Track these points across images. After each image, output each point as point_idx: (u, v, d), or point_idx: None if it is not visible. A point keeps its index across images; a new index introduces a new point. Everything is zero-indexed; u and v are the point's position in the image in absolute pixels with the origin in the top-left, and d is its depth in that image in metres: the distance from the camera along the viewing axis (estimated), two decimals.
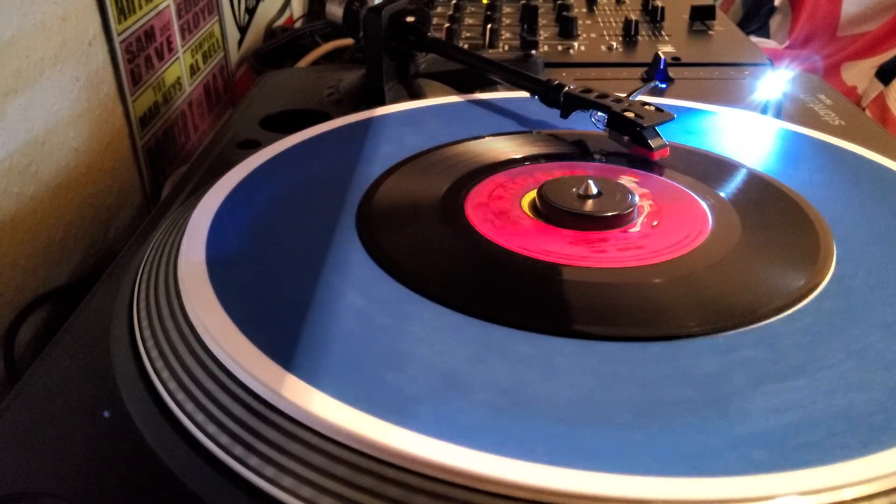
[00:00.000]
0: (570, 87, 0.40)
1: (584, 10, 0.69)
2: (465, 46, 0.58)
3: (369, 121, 0.41)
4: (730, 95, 0.48)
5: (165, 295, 0.26)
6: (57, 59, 0.42)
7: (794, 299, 0.25)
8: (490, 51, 0.58)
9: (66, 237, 0.43)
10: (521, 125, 0.41)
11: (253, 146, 0.41)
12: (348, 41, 0.67)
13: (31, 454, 0.22)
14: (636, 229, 0.30)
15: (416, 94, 0.47)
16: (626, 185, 0.32)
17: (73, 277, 0.43)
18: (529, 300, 0.26)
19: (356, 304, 0.25)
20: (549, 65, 0.54)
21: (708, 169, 0.35)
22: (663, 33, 0.62)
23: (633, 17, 0.62)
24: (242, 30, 0.72)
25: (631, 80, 0.52)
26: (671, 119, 0.36)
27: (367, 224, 0.30)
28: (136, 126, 0.51)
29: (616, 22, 0.65)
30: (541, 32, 0.62)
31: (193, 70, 0.60)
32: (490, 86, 0.47)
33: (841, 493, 0.18)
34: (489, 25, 0.60)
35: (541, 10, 0.67)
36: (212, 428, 0.21)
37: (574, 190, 0.31)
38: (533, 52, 0.55)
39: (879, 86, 0.77)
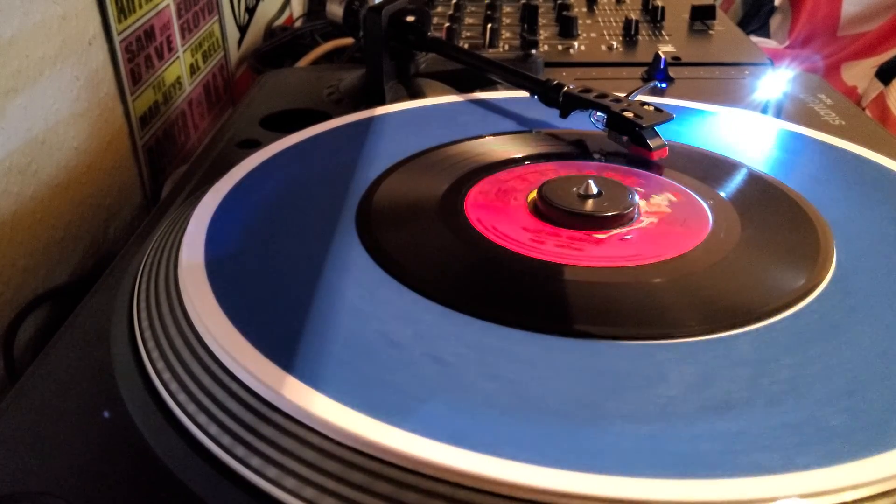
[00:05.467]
0: (570, 86, 0.40)
1: (585, 9, 0.69)
2: (466, 46, 0.58)
3: (369, 120, 0.41)
4: (730, 95, 0.48)
5: (166, 294, 0.26)
6: (57, 59, 0.42)
7: (795, 299, 0.25)
8: (490, 50, 0.58)
9: (66, 237, 0.43)
10: (521, 125, 0.41)
11: (253, 146, 0.41)
12: (348, 41, 0.67)
13: (31, 454, 0.22)
14: (636, 229, 0.30)
15: (416, 94, 0.47)
16: (627, 184, 0.32)
17: (72, 277, 0.43)
18: (529, 300, 0.26)
19: (356, 303, 0.25)
20: (549, 64, 0.54)
21: (708, 168, 0.35)
22: (663, 33, 0.62)
23: (633, 16, 0.62)
24: (242, 29, 0.72)
25: (631, 80, 0.52)
26: (670, 119, 0.36)
27: (367, 223, 0.30)
28: (136, 125, 0.51)
29: (616, 21, 0.65)
30: (541, 32, 0.62)
31: (193, 69, 0.60)
32: (490, 86, 0.47)
33: (842, 495, 0.18)
34: (489, 25, 0.60)
35: (541, 10, 0.67)
36: (214, 429, 0.21)
37: (574, 190, 0.31)
38: (533, 51, 0.55)
39: (879, 86, 0.77)
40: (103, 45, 0.47)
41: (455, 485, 0.19)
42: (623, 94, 0.39)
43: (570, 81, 0.40)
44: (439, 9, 0.70)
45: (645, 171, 0.35)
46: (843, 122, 0.44)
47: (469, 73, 0.47)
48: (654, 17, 0.65)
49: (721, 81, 0.52)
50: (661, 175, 0.34)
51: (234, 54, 0.70)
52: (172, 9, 0.56)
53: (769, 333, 0.24)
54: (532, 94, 0.42)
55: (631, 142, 0.36)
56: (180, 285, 0.26)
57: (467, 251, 0.29)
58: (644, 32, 0.62)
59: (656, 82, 0.51)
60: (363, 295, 0.26)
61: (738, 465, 0.19)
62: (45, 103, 0.41)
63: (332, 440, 0.20)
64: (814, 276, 0.27)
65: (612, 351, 0.23)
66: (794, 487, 0.18)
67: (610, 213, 0.30)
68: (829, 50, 0.89)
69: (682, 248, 0.29)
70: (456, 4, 0.68)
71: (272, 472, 0.20)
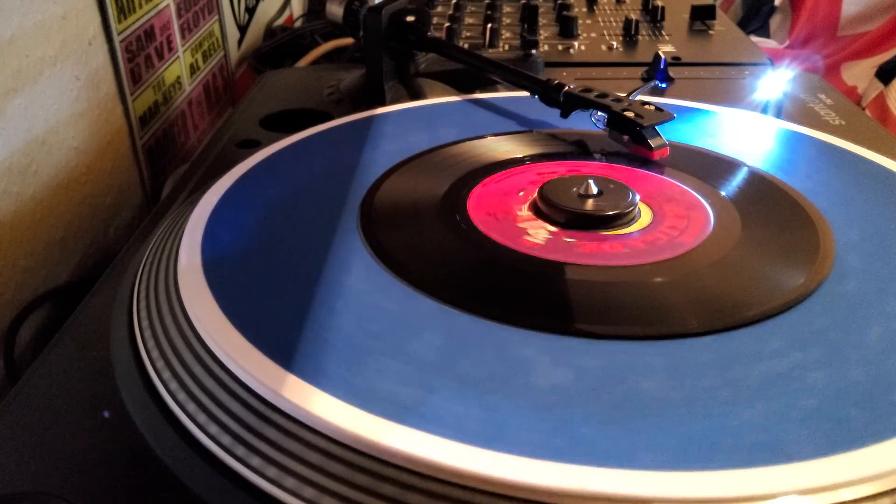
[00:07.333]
0: (570, 86, 0.40)
1: (585, 9, 0.69)
2: (466, 46, 0.58)
3: (369, 120, 0.41)
4: (730, 95, 0.48)
5: (165, 294, 0.26)
6: (57, 59, 0.42)
7: (795, 298, 0.25)
8: (490, 50, 0.58)
9: (66, 236, 0.43)
10: (521, 125, 0.41)
11: (253, 146, 0.41)
12: (348, 40, 0.67)
13: (31, 454, 0.22)
14: (637, 228, 0.30)
15: (416, 94, 0.47)
16: (627, 184, 0.32)
17: (73, 277, 0.43)
18: (530, 299, 0.26)
19: (357, 303, 0.25)
20: (549, 64, 0.54)
21: (708, 168, 0.35)
22: (663, 33, 0.62)
23: (633, 16, 0.62)
24: (242, 29, 0.72)
25: (631, 80, 0.52)
26: (671, 118, 0.36)
27: (369, 223, 0.30)
28: (136, 125, 0.51)
29: (616, 21, 0.65)
30: (541, 32, 0.62)
31: (193, 69, 0.60)
32: (490, 86, 0.47)
33: (841, 492, 0.18)
34: (489, 25, 0.60)
35: (541, 10, 0.67)
36: (213, 429, 0.21)
37: (575, 189, 0.31)
38: (533, 51, 0.55)
39: (879, 85, 0.77)
40: (103, 45, 0.47)
41: (459, 485, 0.19)
42: (623, 94, 0.39)
43: (570, 81, 0.40)
44: (439, 9, 0.70)
45: (646, 171, 0.35)
46: (843, 122, 0.44)
47: (469, 73, 0.47)
48: (654, 17, 0.65)
49: (721, 81, 0.52)
50: (662, 174, 0.34)
51: (234, 54, 0.70)
52: (172, 9, 0.56)
53: (769, 332, 0.24)
54: (532, 93, 0.42)
55: (631, 141, 0.36)
56: (180, 285, 0.26)
57: (469, 250, 0.29)
58: (644, 32, 0.62)
59: (656, 82, 0.51)
60: (364, 294, 0.26)
61: (737, 462, 0.19)
62: (45, 103, 0.41)
63: (332, 440, 0.20)
64: (814, 275, 0.27)
65: (612, 350, 0.23)
66: (793, 484, 0.18)
67: (610, 213, 0.30)
68: (829, 50, 0.89)
69: (683, 247, 0.29)
70: (456, 4, 0.68)
71: (272, 471, 0.20)
